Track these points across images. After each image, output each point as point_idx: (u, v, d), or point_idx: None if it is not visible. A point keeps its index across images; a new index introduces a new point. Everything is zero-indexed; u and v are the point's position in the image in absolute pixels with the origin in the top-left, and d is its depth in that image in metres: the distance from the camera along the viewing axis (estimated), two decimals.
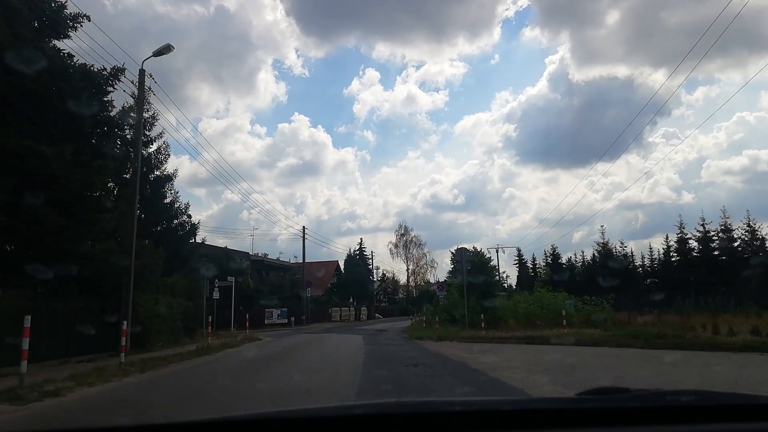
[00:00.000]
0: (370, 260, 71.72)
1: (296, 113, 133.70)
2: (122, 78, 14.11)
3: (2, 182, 10.29)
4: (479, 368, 11.14)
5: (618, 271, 46.69)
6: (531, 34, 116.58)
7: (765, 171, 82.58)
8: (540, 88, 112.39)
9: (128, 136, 16.10)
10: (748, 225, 42.04)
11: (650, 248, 53.85)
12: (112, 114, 14.60)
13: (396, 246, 75.07)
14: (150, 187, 27.27)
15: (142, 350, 15.78)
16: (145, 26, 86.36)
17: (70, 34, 13.91)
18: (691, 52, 53.89)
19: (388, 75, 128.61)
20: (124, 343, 12.13)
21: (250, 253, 55.32)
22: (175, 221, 28.11)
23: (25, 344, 8.96)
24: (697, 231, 44.00)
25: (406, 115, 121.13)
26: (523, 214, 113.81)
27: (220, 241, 52.42)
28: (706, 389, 1.85)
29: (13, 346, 9.09)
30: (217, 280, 31.96)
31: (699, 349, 14.60)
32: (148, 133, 27.86)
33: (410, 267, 76.29)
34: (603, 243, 51.73)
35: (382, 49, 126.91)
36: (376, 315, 65.05)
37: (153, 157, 27.80)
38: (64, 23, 13.70)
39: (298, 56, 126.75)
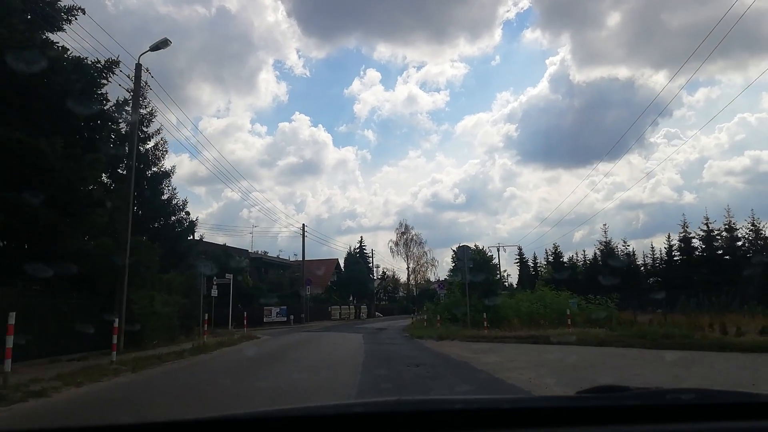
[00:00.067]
0: (371, 258, 71.47)
1: (297, 112, 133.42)
2: (118, 72, 13.76)
3: None
4: (483, 369, 10.76)
5: (621, 270, 46.39)
6: (532, 35, 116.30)
7: (766, 172, 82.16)
8: (541, 88, 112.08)
9: (123, 131, 15.68)
10: (752, 224, 41.71)
11: (652, 248, 53.49)
12: (106, 108, 14.15)
13: (396, 244, 74.86)
14: (147, 183, 26.91)
15: (137, 348, 15.41)
16: (147, 27, 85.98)
17: (64, 27, 13.54)
18: (691, 52, 53.86)
19: (389, 75, 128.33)
20: (115, 341, 11.75)
21: (250, 250, 54.94)
22: (173, 218, 27.77)
23: (9, 342, 8.60)
24: (701, 230, 43.66)
25: (407, 115, 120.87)
26: (523, 213, 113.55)
27: (220, 239, 52.06)
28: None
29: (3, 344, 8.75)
30: (215, 278, 31.65)
31: (707, 350, 14.23)
32: (145, 129, 27.60)
33: (411, 265, 76.08)
34: (605, 242, 51.37)
35: (383, 50, 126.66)
36: (376, 313, 64.68)
37: (150, 153, 27.45)
38: (57, 15, 13.33)
39: (299, 57, 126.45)
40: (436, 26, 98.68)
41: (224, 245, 46.36)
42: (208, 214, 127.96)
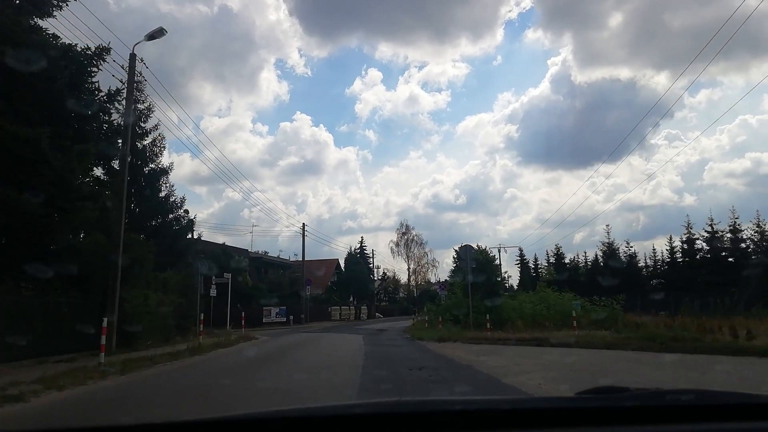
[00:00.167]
0: (371, 259, 70.97)
1: (298, 112, 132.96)
2: (111, 62, 13.27)
3: None
4: (489, 372, 10.25)
5: (623, 271, 45.88)
6: (534, 35, 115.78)
7: (767, 174, 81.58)
8: (542, 89, 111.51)
9: (116, 123, 15.16)
10: (758, 225, 41.18)
11: (653, 249, 53.00)
12: (97, 98, 13.63)
13: (397, 245, 74.41)
14: (145, 180, 26.46)
15: (130, 349, 14.91)
16: (149, 25, 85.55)
17: (55, 13, 13.05)
18: (693, 55, 53.22)
19: (391, 75, 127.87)
20: (104, 342, 11.22)
21: (250, 250, 54.43)
22: (170, 216, 27.28)
23: None
24: (706, 231, 43.14)
25: (408, 115, 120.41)
26: (524, 214, 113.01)
27: (220, 239, 51.40)
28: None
29: None
30: (214, 277, 31.15)
31: (719, 353, 13.68)
32: (143, 125, 27.15)
33: (411, 266, 75.62)
34: (608, 243, 50.79)
35: (384, 50, 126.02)
36: (377, 314, 64.16)
37: (148, 149, 26.99)
38: (47, 1, 12.84)
39: (301, 56, 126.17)
40: (438, 26, 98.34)
41: (223, 244, 45.91)
42: (210, 213, 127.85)
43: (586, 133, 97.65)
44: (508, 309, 25.25)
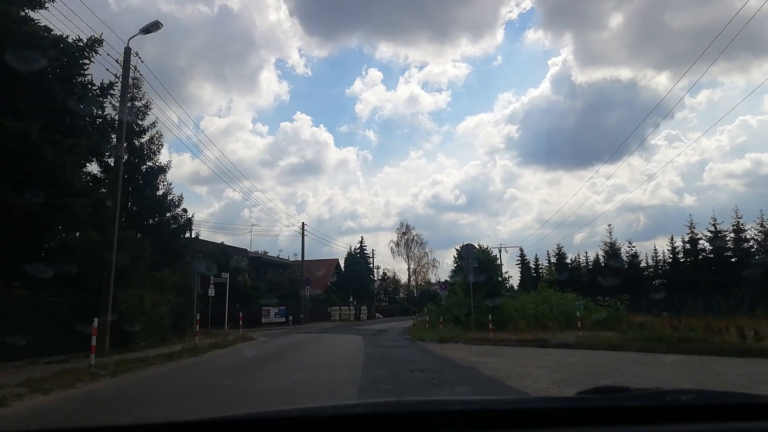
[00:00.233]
0: (371, 259, 70.58)
1: (298, 112, 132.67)
2: (105, 56, 12.87)
3: None
4: (493, 375, 9.89)
5: (626, 272, 45.53)
6: (534, 36, 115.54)
7: (767, 174, 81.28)
8: (542, 89, 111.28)
9: (109, 117, 14.80)
10: (761, 225, 40.78)
11: (655, 250, 52.64)
12: (90, 92, 13.25)
13: (397, 244, 74.10)
14: (142, 178, 26.11)
15: (125, 350, 14.58)
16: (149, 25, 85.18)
17: (47, 5, 12.69)
18: (694, 55, 53.09)
19: (391, 75, 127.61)
20: (95, 343, 10.85)
21: (249, 250, 54.05)
22: (168, 214, 26.91)
23: None
24: (709, 231, 42.76)
25: (409, 116, 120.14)
26: (524, 215, 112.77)
27: (220, 239, 50.93)
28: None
29: None
30: (212, 277, 30.78)
31: (727, 355, 13.34)
32: (140, 122, 26.80)
33: (411, 266, 75.27)
34: (610, 243, 50.35)
35: (385, 50, 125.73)
36: (377, 315, 63.78)
37: (146, 147, 26.63)
38: None
39: (301, 56, 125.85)
40: (438, 26, 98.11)
41: (222, 244, 45.56)
42: (210, 213, 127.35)
43: (587, 133, 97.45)
44: (510, 309, 24.90)
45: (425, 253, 75.58)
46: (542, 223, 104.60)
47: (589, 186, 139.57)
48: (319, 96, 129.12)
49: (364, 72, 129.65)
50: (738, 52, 69.18)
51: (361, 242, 73.36)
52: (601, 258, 51.67)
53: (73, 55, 12.07)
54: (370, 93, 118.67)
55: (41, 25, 12.43)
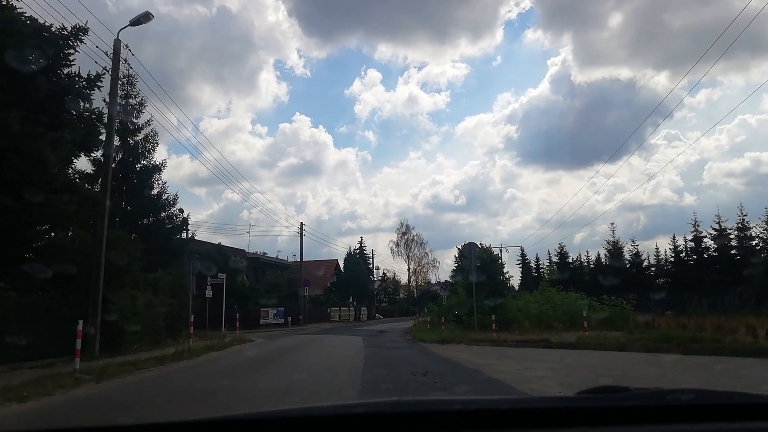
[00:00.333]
0: (371, 259, 70.03)
1: (297, 113, 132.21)
2: (92, 46, 12.28)
3: None
4: (500, 378, 9.36)
5: (629, 271, 45.05)
6: (533, 36, 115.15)
7: (767, 173, 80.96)
8: (542, 89, 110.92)
9: (97, 110, 14.22)
10: (767, 223, 40.28)
11: (656, 249, 52.13)
12: (77, 85, 12.69)
13: (397, 245, 73.57)
14: (136, 177, 25.61)
15: (116, 353, 14.03)
16: (147, 26, 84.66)
17: None
18: (693, 55, 52.73)
19: (390, 76, 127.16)
20: (79, 346, 10.29)
21: (247, 250, 53.49)
22: (163, 214, 26.39)
23: None
24: (713, 229, 42.27)
25: (408, 116, 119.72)
26: (524, 215, 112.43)
27: (221, 240, 50.24)
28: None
29: None
30: (209, 278, 30.25)
31: (741, 355, 12.82)
32: (135, 120, 26.29)
33: (411, 266, 74.73)
34: (613, 242, 49.81)
35: (384, 50, 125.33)
36: (377, 315, 63.24)
37: (140, 145, 26.13)
38: None
39: (300, 57, 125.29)
40: (438, 26, 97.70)
41: (219, 244, 44.97)
42: (209, 215, 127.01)
43: (586, 133, 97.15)
44: (513, 309, 24.41)
45: (425, 253, 75.13)
46: (542, 223, 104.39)
47: (588, 186, 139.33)
48: (318, 97, 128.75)
49: (363, 73, 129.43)
50: (737, 52, 68.91)
51: (361, 242, 72.95)
52: (603, 257, 51.23)
53: (57, 43, 11.53)
54: (369, 94, 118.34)
55: (26, 16, 11.89)
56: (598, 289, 29.36)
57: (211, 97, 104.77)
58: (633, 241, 51.76)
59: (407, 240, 73.69)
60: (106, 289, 14.45)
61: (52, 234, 15.10)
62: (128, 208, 25.20)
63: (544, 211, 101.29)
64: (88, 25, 12.46)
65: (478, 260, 22.88)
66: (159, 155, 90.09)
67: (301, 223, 47.01)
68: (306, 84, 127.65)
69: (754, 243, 40.74)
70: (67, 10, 25.05)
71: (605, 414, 1.50)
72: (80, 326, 10.33)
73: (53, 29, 11.44)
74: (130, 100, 25.97)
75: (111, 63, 14.46)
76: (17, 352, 11.60)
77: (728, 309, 28.59)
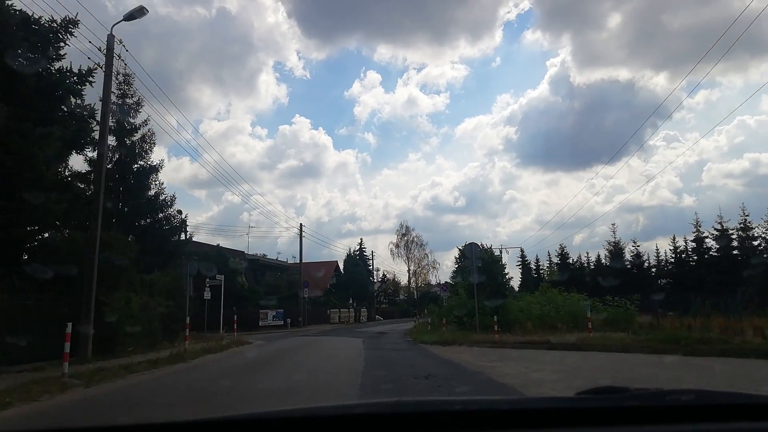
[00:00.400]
0: (370, 261, 69.71)
1: (297, 115, 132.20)
2: (79, 36, 11.92)
3: None
4: (505, 382, 9.00)
5: (630, 271, 44.69)
6: (532, 36, 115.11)
7: (766, 174, 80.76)
8: (541, 90, 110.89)
9: (89, 107, 13.86)
10: None
11: (656, 249, 51.83)
12: (68, 80, 12.34)
13: (397, 246, 73.26)
14: (133, 177, 25.26)
15: (109, 356, 13.69)
16: (147, 27, 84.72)
17: None
18: (692, 55, 52.47)
19: (390, 77, 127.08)
20: (68, 350, 9.94)
21: (246, 252, 53.13)
22: (160, 214, 26.02)
23: None
24: (715, 230, 41.93)
25: (407, 118, 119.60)
26: (523, 216, 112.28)
27: (221, 242, 49.82)
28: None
29: None
30: (208, 279, 29.90)
31: (751, 357, 12.48)
32: (132, 120, 25.93)
33: (411, 267, 74.38)
34: (614, 242, 49.43)
35: (383, 52, 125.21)
36: (377, 317, 62.85)
37: (137, 146, 25.78)
38: None
39: (300, 58, 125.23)
40: (437, 28, 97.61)
41: (218, 246, 44.57)
42: (209, 217, 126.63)
43: (585, 134, 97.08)
44: (514, 310, 24.06)
45: (425, 254, 74.80)
46: (542, 224, 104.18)
47: (588, 187, 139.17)
48: (317, 99, 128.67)
49: (362, 74, 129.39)
50: (735, 52, 68.66)
51: (361, 244, 72.61)
52: (604, 258, 50.86)
53: (47, 37, 11.17)
54: (368, 95, 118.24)
55: (15, 9, 11.54)
56: (600, 290, 29.03)
57: (210, 99, 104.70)
58: (634, 242, 51.53)
59: (407, 241, 73.44)
60: (100, 290, 14.12)
61: (46, 234, 14.76)
62: (125, 209, 24.83)
63: (544, 213, 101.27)
64: (83, 24, 12.16)
65: (479, 260, 22.53)
66: (157, 156, 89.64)
67: (301, 224, 46.69)
68: (306, 86, 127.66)
69: (756, 243, 40.39)
70: (64, 9, 24.85)
71: (605, 414, 1.50)
72: (69, 329, 9.99)
73: (42, 21, 11.08)
74: (127, 100, 25.64)
75: (104, 59, 14.16)
76: (6, 356, 11.24)
77: (731, 310, 28.23)
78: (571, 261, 55.22)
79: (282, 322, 39.94)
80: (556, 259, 56.83)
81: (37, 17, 11.10)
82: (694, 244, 43.87)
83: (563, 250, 56.11)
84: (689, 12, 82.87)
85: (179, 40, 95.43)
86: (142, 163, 25.74)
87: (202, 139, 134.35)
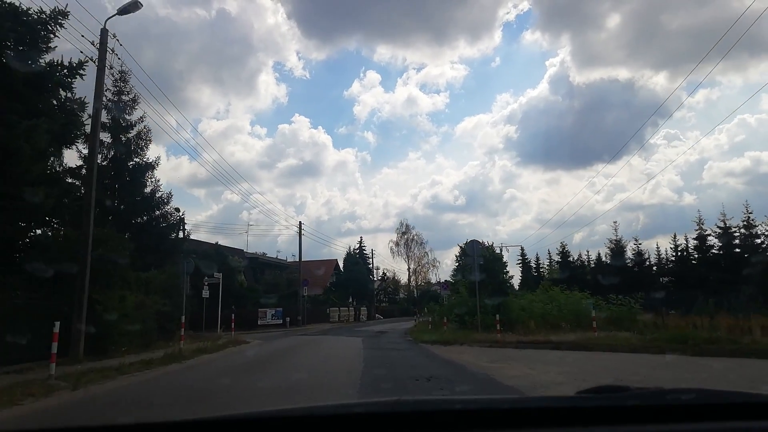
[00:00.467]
0: (370, 259, 69.34)
1: (296, 114, 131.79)
2: (66, 24, 11.50)
3: None
4: (512, 384, 8.64)
5: (632, 270, 44.33)
6: (532, 37, 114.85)
7: (766, 173, 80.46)
8: (541, 90, 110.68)
9: (80, 100, 13.45)
10: None
11: (657, 248, 51.51)
12: (58, 73, 11.95)
13: (397, 244, 72.97)
14: (129, 174, 24.88)
15: (102, 356, 13.33)
16: (146, 27, 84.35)
17: None
18: (691, 55, 52.15)
19: (389, 77, 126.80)
20: (55, 350, 9.58)
21: (245, 250, 52.74)
22: (157, 212, 25.66)
23: None
24: (718, 227, 41.53)
25: (407, 117, 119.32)
26: (523, 215, 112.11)
27: (220, 241, 49.45)
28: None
29: None
30: (206, 278, 29.55)
31: (763, 357, 12.14)
32: (128, 117, 25.56)
33: (411, 266, 74.08)
34: (615, 240, 49.03)
35: (383, 52, 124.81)
36: (377, 315, 62.52)
37: (133, 142, 25.42)
38: None
39: (299, 58, 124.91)
40: (436, 28, 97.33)
41: (216, 244, 44.20)
42: (208, 216, 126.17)
43: (585, 133, 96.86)
44: (516, 309, 23.70)
45: (425, 253, 74.52)
46: (542, 223, 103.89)
47: (588, 186, 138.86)
48: (317, 98, 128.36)
49: (362, 74, 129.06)
50: (735, 52, 68.28)
51: (360, 242, 72.24)
52: (604, 256, 50.48)
53: (35, 28, 10.79)
54: (368, 95, 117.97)
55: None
56: (601, 288, 28.68)
57: (210, 99, 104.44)
58: (636, 240, 51.07)
59: (407, 240, 73.14)
60: (93, 288, 13.77)
61: (38, 232, 14.39)
62: (121, 206, 24.47)
63: (544, 211, 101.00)
64: (78, 20, 11.81)
65: (480, 258, 22.17)
66: (154, 154, 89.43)
67: (300, 222, 46.30)
68: (305, 85, 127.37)
69: (759, 241, 40.01)
70: (57, 2, 24.44)
71: (605, 414, 1.48)
72: (56, 328, 9.61)
73: (31, 13, 10.70)
74: (123, 97, 25.30)
75: (98, 54, 13.77)
76: None
77: (735, 308, 27.90)
78: (571, 259, 54.86)
79: (281, 321, 39.58)
80: (556, 258, 56.50)
81: (25, 8, 10.72)
82: (696, 241, 43.48)
83: (564, 249, 55.73)
84: (688, 12, 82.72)
85: (179, 41, 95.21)
86: (137, 160, 25.42)
87: (201, 138, 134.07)
